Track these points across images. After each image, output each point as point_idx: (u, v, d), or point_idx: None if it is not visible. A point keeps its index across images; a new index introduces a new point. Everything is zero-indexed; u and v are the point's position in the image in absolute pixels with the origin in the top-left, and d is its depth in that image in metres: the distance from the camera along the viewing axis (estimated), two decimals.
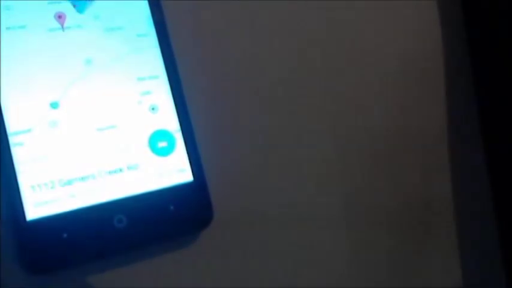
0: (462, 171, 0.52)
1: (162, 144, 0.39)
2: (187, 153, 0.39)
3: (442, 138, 0.51)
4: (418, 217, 0.49)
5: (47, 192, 0.36)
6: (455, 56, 0.52)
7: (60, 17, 0.38)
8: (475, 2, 0.52)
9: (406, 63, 0.50)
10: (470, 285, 0.51)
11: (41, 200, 0.35)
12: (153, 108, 0.39)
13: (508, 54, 0.50)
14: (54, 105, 0.37)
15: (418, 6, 0.51)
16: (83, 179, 0.37)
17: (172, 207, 0.38)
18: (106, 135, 0.38)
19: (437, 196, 0.51)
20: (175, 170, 0.39)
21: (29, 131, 0.36)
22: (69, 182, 0.36)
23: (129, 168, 0.38)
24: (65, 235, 0.35)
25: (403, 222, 0.48)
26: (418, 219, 0.49)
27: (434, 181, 0.51)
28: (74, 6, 0.38)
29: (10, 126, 0.35)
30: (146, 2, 0.40)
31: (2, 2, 0.37)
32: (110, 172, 0.37)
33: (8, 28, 0.37)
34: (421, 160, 0.50)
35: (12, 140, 0.35)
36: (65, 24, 0.38)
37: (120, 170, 0.38)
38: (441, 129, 0.51)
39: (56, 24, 0.38)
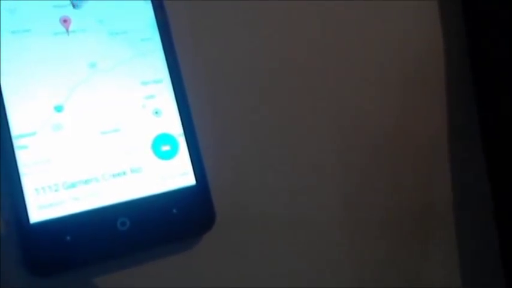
0: (462, 172, 0.52)
1: (166, 147, 0.39)
2: (190, 156, 0.40)
3: (442, 138, 0.51)
4: (418, 218, 0.50)
5: (51, 195, 0.36)
6: (456, 57, 0.52)
7: (65, 21, 0.38)
8: (475, 3, 0.52)
9: (406, 64, 0.50)
10: (469, 286, 0.51)
11: (44, 202, 0.35)
12: (156, 112, 0.39)
13: (508, 55, 0.50)
14: (58, 109, 0.37)
15: (418, 6, 0.51)
16: (86, 182, 0.37)
17: (175, 211, 0.38)
18: (110, 138, 0.38)
19: (437, 197, 0.51)
20: (178, 174, 0.39)
21: (33, 134, 0.36)
22: (72, 185, 0.36)
23: (132, 171, 0.38)
24: (68, 238, 0.36)
25: (403, 223, 0.49)
26: (418, 220, 0.50)
27: (434, 182, 0.51)
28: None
29: (14, 129, 0.36)
30: (150, 6, 0.40)
31: (7, 5, 0.37)
32: (113, 175, 0.37)
33: (13, 32, 0.37)
34: (421, 161, 0.50)
35: (16, 143, 0.35)
36: (70, 28, 0.38)
37: (124, 173, 0.38)
38: (441, 130, 0.51)
39: (60, 28, 0.38)
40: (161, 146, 0.39)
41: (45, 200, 0.36)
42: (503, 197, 0.52)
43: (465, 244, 0.51)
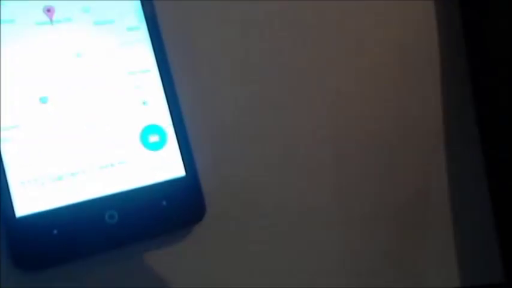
0: (461, 170, 0.51)
1: (154, 138, 0.39)
2: (179, 147, 0.39)
3: (441, 137, 0.51)
4: (417, 216, 0.49)
5: (37, 188, 0.35)
6: (452, 54, 0.52)
7: (49, 10, 0.37)
8: (473, 1, 0.51)
9: (405, 63, 0.50)
10: (468, 284, 0.51)
11: (30, 196, 0.35)
12: (144, 103, 0.39)
13: (505, 50, 0.49)
14: (43, 100, 0.36)
15: (416, 4, 0.51)
16: (73, 174, 0.36)
17: (164, 203, 0.38)
18: (96, 130, 0.37)
19: (436, 195, 0.50)
20: (167, 165, 0.39)
21: (18, 126, 0.35)
22: (59, 178, 0.36)
23: (120, 163, 0.38)
24: (55, 231, 0.35)
25: (402, 221, 0.48)
26: (417, 219, 0.49)
27: (433, 180, 0.51)
28: None
29: None
30: None
31: None
32: (100, 167, 0.37)
33: None
34: (420, 159, 0.50)
35: (0, 135, 0.35)
36: (54, 18, 0.38)
37: (111, 165, 0.37)
38: (440, 128, 0.51)
39: (44, 17, 0.37)
40: (149, 137, 0.39)
41: (32, 193, 0.35)
42: (502, 196, 0.51)
43: (464, 243, 0.51)
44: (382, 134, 0.48)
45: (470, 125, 0.52)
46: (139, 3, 0.40)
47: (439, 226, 0.50)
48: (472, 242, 0.51)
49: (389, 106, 0.49)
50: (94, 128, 0.37)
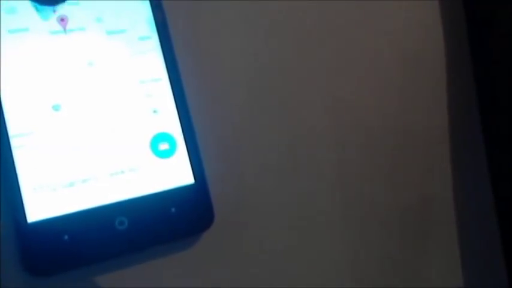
0: (463, 171, 0.52)
1: (164, 146, 0.39)
2: (189, 155, 0.39)
3: (443, 138, 0.51)
4: (418, 217, 0.49)
5: (49, 195, 0.36)
6: (457, 56, 0.52)
7: (62, 20, 0.38)
8: (477, 1, 0.52)
9: (406, 63, 0.50)
10: (470, 285, 0.51)
11: (42, 202, 0.35)
12: (154, 111, 0.39)
13: (509, 54, 0.49)
14: (56, 108, 0.37)
15: (419, 5, 0.51)
16: (84, 181, 0.37)
17: (173, 210, 0.38)
18: (107, 137, 0.38)
19: (438, 196, 0.51)
20: (176, 173, 0.39)
21: (30, 133, 0.36)
22: (70, 184, 0.36)
23: (130, 170, 0.38)
24: (66, 237, 0.35)
25: (403, 222, 0.48)
26: (418, 219, 0.49)
27: (435, 181, 0.51)
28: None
29: (12, 128, 0.35)
30: (148, 5, 0.40)
31: (4, 4, 0.37)
32: (111, 174, 0.37)
33: (10, 31, 0.37)
34: (421, 160, 0.50)
35: (13, 142, 0.35)
36: (67, 27, 0.38)
37: (122, 172, 0.38)
38: (442, 129, 0.51)
39: (58, 27, 0.38)
40: (159, 145, 0.39)
41: (43, 199, 0.35)
42: (504, 197, 0.51)
43: (465, 244, 0.51)
44: (385, 138, 0.48)
45: (475, 128, 0.52)
46: (150, 12, 0.40)
47: (442, 230, 0.51)
48: (476, 246, 0.52)
49: (392, 110, 0.49)
50: (105, 136, 0.38)
